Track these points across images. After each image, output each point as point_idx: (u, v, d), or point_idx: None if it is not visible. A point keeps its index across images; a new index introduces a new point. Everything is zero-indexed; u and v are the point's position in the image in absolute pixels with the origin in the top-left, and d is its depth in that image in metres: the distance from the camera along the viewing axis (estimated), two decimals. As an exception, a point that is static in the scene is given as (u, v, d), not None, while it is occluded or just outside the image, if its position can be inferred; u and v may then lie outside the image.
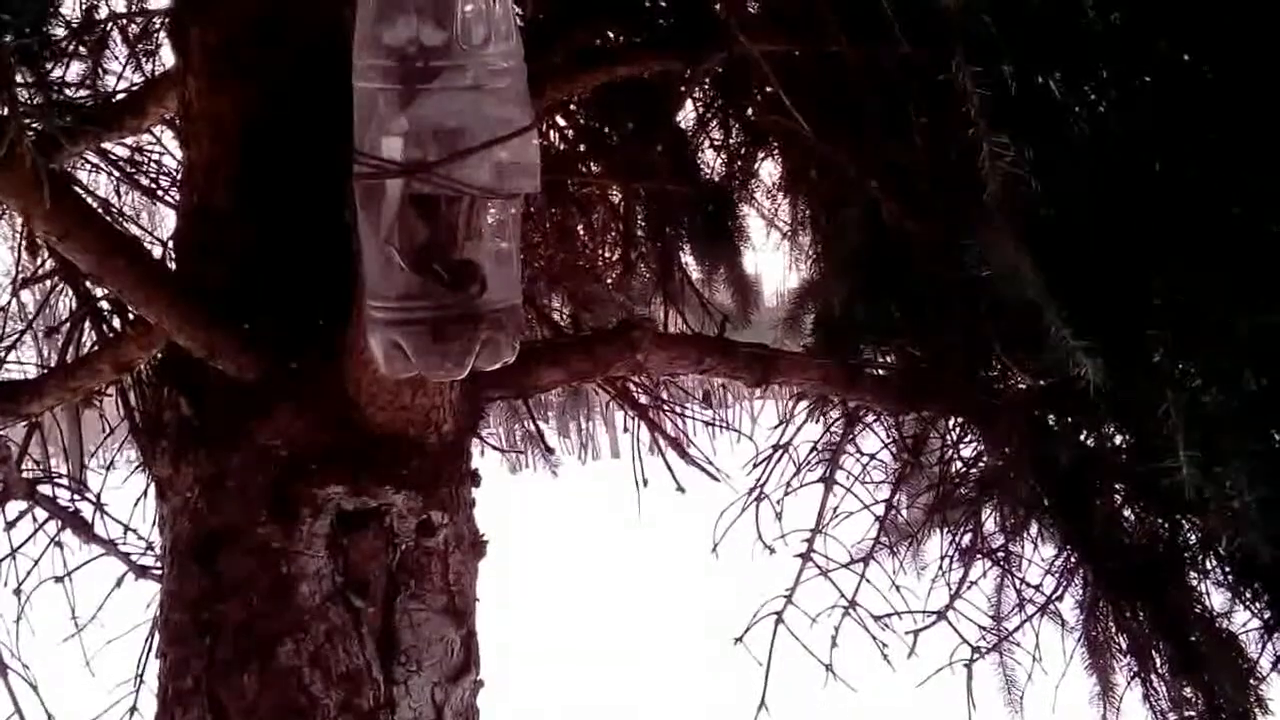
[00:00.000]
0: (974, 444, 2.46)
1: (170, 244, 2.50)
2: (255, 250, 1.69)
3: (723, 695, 4.05)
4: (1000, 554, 2.47)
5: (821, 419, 2.64)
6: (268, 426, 1.61)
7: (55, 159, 1.68)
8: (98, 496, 2.62)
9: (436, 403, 1.62)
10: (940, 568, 2.54)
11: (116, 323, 2.64)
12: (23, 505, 2.42)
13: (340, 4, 1.32)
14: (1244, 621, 2.11)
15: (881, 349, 2.31)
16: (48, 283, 2.90)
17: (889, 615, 2.56)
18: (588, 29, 2.16)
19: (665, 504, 2.92)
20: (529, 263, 2.67)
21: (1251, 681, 2.08)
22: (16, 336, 2.91)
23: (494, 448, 3.17)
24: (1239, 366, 1.54)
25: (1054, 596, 2.37)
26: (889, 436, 2.64)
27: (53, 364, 2.67)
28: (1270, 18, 1.51)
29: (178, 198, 2.05)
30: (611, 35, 2.33)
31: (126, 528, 2.62)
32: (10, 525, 2.50)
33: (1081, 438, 2.15)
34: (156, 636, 1.99)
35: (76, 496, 2.57)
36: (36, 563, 2.61)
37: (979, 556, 2.49)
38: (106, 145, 2.83)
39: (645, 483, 2.77)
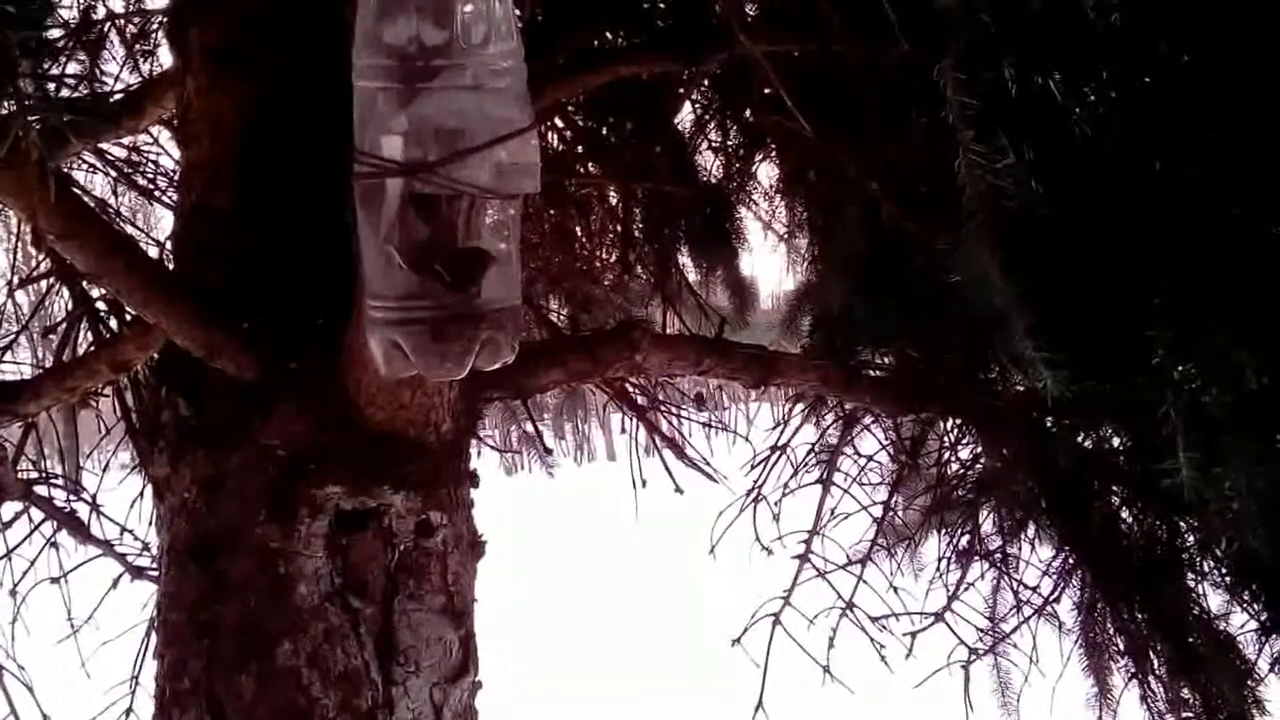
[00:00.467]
0: (972, 445, 2.47)
1: (167, 244, 2.51)
2: (254, 250, 1.68)
3: (720, 697, 4.05)
4: (998, 555, 2.47)
5: (819, 420, 2.64)
6: (266, 426, 1.61)
7: (56, 157, 1.67)
8: (94, 497, 2.62)
9: (435, 403, 1.62)
10: (938, 569, 2.55)
11: (113, 323, 2.64)
12: (19, 506, 2.41)
13: (340, 4, 1.31)
14: (1242, 623, 2.12)
15: (880, 350, 2.31)
16: (44, 283, 2.90)
17: (886, 616, 2.57)
18: (587, 30, 2.16)
19: (662, 505, 2.92)
20: (527, 264, 2.66)
21: (1249, 683, 2.08)
22: (13, 337, 2.91)
23: (492, 448, 3.17)
24: (1239, 367, 1.54)
25: (1052, 598, 2.38)
26: (887, 438, 2.64)
27: (49, 365, 2.66)
28: (1270, 18, 1.51)
29: (176, 198, 2.05)
30: (611, 36, 2.34)
31: (123, 528, 2.61)
32: (6, 526, 2.49)
33: (1079, 439, 2.15)
34: (153, 637, 1.98)
35: (72, 497, 2.56)
36: (32, 564, 2.60)
37: (977, 558, 2.49)
38: (103, 145, 2.83)
39: (644, 483, 2.77)
